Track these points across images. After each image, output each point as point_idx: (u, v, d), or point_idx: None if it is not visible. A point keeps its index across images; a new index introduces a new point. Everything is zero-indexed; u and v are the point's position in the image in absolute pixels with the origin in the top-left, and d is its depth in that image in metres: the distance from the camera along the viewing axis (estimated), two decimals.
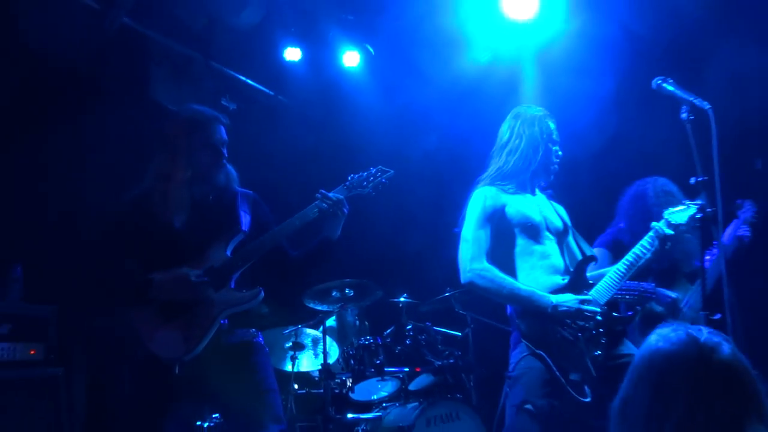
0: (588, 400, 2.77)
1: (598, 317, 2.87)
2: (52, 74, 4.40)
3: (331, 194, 2.91)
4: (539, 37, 5.08)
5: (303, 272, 3.06)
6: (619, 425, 1.36)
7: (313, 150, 6.27)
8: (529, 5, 4.90)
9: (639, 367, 1.38)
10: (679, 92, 2.87)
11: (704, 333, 1.36)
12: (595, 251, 3.67)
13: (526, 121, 3.18)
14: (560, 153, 3.21)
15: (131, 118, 4.76)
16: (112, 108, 4.69)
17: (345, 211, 2.92)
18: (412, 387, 4.79)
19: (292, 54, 5.62)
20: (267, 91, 6.07)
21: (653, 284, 3.43)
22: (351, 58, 5.69)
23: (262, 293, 2.77)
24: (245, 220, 2.85)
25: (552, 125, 3.19)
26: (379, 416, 4.45)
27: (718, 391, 1.28)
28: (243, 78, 5.84)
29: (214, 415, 4.04)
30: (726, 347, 1.33)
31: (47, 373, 3.67)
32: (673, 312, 3.54)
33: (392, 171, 3.08)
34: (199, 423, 3.97)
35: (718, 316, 2.80)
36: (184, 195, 2.74)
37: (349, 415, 4.62)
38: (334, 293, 4.79)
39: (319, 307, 4.90)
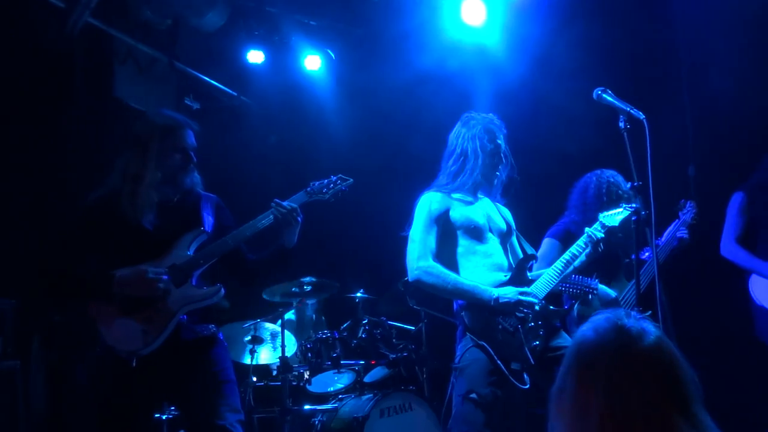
0: (527, 387, 2.87)
1: (536, 308, 2.97)
2: (15, 72, 4.33)
3: (285, 203, 2.88)
4: (490, 42, 5.16)
5: (259, 277, 3.04)
6: (554, 415, 1.35)
7: (274, 150, 6.28)
8: (478, 12, 4.97)
9: (568, 356, 1.37)
10: (617, 102, 2.97)
11: (632, 320, 1.33)
12: (546, 242, 3.78)
13: (472, 132, 3.22)
14: (500, 165, 3.23)
15: (95, 115, 4.72)
16: (75, 106, 4.64)
17: (299, 219, 2.89)
18: (367, 379, 4.83)
19: (256, 56, 5.61)
20: (230, 91, 6.06)
21: (597, 281, 3.55)
22: (312, 62, 5.70)
23: (223, 290, 2.76)
24: (208, 221, 2.85)
25: (496, 135, 3.22)
26: (335, 407, 4.47)
27: (636, 379, 1.25)
28: (206, 78, 5.81)
29: (171, 408, 4.04)
30: (650, 336, 1.30)
31: (4, 366, 3.61)
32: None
33: (351, 180, 3.07)
34: (157, 416, 3.98)
35: (649, 313, 2.92)
36: (151, 195, 2.72)
37: (306, 407, 4.62)
38: (292, 288, 4.80)
39: (278, 302, 4.91)
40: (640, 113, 2.90)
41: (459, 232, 3.13)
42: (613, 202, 3.65)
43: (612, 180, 3.78)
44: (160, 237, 2.72)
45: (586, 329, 1.36)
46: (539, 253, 3.50)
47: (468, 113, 3.33)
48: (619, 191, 3.73)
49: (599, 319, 1.35)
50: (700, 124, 4.85)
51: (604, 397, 1.25)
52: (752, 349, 4.02)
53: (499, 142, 3.23)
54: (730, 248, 4.03)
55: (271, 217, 2.85)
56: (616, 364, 1.27)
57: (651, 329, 1.31)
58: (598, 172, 3.88)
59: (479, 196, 3.26)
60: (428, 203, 3.16)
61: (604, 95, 3.01)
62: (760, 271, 3.93)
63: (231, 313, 4.97)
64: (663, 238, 3.83)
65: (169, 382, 2.69)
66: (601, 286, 3.63)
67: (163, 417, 4.06)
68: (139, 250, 2.68)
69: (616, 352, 1.28)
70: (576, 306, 3.68)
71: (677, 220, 3.86)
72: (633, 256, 3.06)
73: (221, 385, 2.70)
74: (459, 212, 3.14)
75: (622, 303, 3.65)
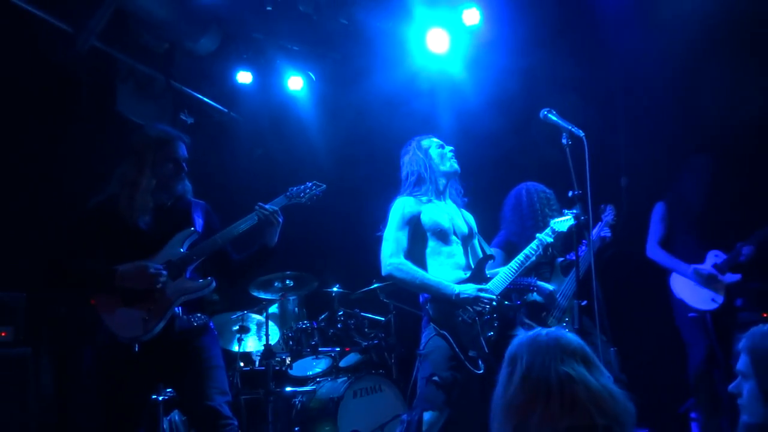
0: (481, 371, 2.93)
1: (494, 303, 3.03)
2: (28, 88, 4.29)
3: (267, 206, 2.91)
4: (453, 67, 5.22)
5: (244, 274, 3.04)
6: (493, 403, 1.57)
7: (260, 161, 6.28)
8: (442, 40, 5.01)
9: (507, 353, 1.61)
10: (560, 122, 3.04)
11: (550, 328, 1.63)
12: (492, 251, 3.85)
13: (419, 150, 3.33)
14: (454, 165, 3.33)
15: (98, 128, 4.68)
16: (81, 119, 4.60)
17: (280, 220, 2.91)
18: (342, 364, 4.86)
19: (244, 77, 5.59)
20: (221, 108, 6.03)
21: (535, 279, 3.61)
22: (295, 83, 5.71)
23: (214, 283, 2.77)
24: (198, 223, 2.86)
25: (436, 148, 3.34)
26: (314, 389, 4.50)
27: (541, 354, 1.53)
28: (200, 96, 5.79)
29: (167, 390, 4.02)
30: (550, 332, 1.59)
31: (16, 352, 3.58)
32: (550, 301, 3.72)
33: (325, 185, 3.12)
34: (154, 396, 3.95)
35: (585, 303, 3.01)
36: (147, 200, 2.73)
37: (288, 389, 4.64)
38: (276, 283, 4.81)
39: (263, 296, 4.90)
40: (580, 131, 2.97)
41: (428, 234, 3.17)
42: (547, 205, 3.73)
43: (540, 189, 3.88)
44: (154, 236, 2.73)
45: (520, 336, 1.64)
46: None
47: (413, 138, 3.42)
48: (547, 195, 3.83)
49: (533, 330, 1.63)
50: (631, 142, 4.98)
51: (524, 368, 1.52)
52: (671, 334, 4.16)
53: (443, 148, 3.32)
54: (653, 250, 4.18)
55: (255, 218, 2.87)
56: (529, 349, 1.56)
57: (554, 329, 1.60)
58: (523, 186, 3.95)
59: (446, 201, 3.32)
60: (402, 206, 3.20)
61: (549, 115, 3.07)
62: (678, 269, 4.07)
63: (221, 306, 4.96)
64: (597, 235, 3.92)
65: (165, 367, 2.69)
66: (540, 283, 3.71)
67: (159, 398, 4.03)
68: (136, 248, 2.69)
69: (530, 342, 1.57)
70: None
71: (600, 222, 3.95)
72: (572, 255, 3.14)
73: (211, 370, 2.70)
74: (428, 216, 3.18)
75: (559, 295, 3.71)
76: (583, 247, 3.52)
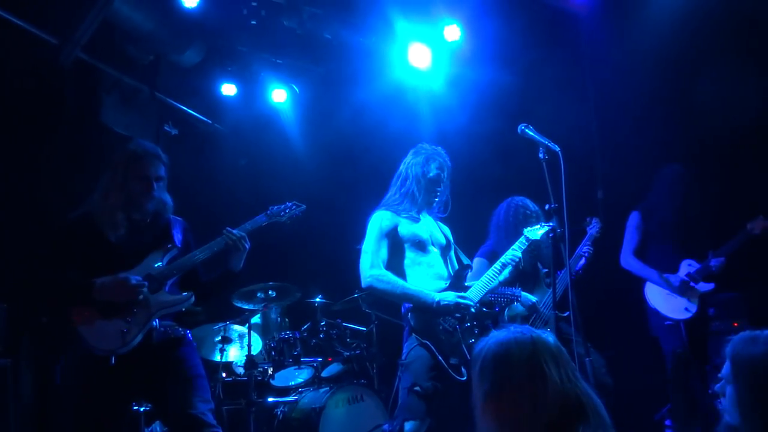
0: (464, 379, 2.93)
1: (472, 309, 3.05)
2: (13, 99, 4.25)
3: (234, 231, 2.87)
4: (434, 81, 5.27)
5: (208, 297, 3.01)
6: (499, 405, 1.49)
7: (244, 171, 6.27)
8: (424, 56, 5.07)
9: (508, 360, 1.53)
10: (537, 136, 3.04)
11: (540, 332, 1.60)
12: (476, 261, 3.86)
13: (417, 160, 3.29)
14: (439, 190, 3.29)
15: (83, 138, 4.65)
16: (66, 129, 4.57)
17: (246, 246, 2.88)
18: (324, 374, 4.84)
19: (229, 89, 5.60)
20: (205, 119, 6.02)
21: (519, 289, 3.63)
22: (279, 95, 5.73)
23: (194, 297, 2.76)
24: (177, 238, 2.86)
25: (438, 164, 3.27)
26: (296, 399, 4.47)
27: (559, 362, 1.51)
28: (184, 108, 5.77)
29: (147, 402, 3.96)
30: (550, 337, 1.58)
31: None
32: (534, 312, 3.75)
33: (304, 206, 3.11)
34: (135, 407, 3.90)
35: (567, 314, 3.03)
36: (120, 215, 2.72)
37: (270, 399, 4.62)
38: (258, 294, 4.78)
39: (246, 306, 4.87)
40: (556, 146, 2.99)
41: (406, 246, 3.19)
42: (524, 221, 3.75)
43: (521, 203, 3.90)
44: (130, 252, 2.72)
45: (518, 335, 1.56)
46: (472, 271, 3.56)
47: (420, 144, 3.37)
48: (527, 211, 3.85)
49: (519, 330, 1.59)
50: (607, 155, 5.06)
51: (555, 381, 1.48)
52: (647, 342, 4.21)
53: (438, 171, 3.27)
54: (628, 260, 4.21)
55: (223, 242, 2.84)
56: (553, 358, 1.53)
57: (540, 331, 1.59)
58: (509, 199, 3.98)
59: (423, 214, 3.33)
60: (379, 220, 3.21)
61: (526, 130, 3.07)
62: (652, 279, 4.11)
63: (203, 316, 4.91)
64: (581, 250, 3.96)
65: (144, 379, 2.67)
66: (524, 294, 3.74)
67: (141, 409, 3.98)
68: (111, 263, 2.67)
69: (553, 349, 1.55)
70: (506, 309, 3.78)
71: (586, 235, 3.98)
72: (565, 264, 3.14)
73: (192, 379, 2.69)
74: (406, 228, 3.20)
75: (542, 306, 3.74)
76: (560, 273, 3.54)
